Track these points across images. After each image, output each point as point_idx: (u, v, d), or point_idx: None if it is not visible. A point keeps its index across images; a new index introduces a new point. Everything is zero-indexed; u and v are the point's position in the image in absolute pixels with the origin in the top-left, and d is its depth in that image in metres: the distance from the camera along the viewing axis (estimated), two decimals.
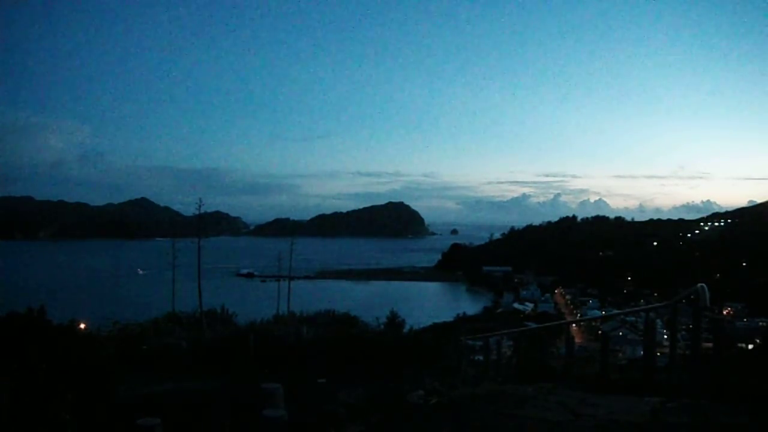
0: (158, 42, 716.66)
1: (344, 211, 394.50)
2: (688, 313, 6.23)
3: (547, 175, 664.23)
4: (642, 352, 9.14)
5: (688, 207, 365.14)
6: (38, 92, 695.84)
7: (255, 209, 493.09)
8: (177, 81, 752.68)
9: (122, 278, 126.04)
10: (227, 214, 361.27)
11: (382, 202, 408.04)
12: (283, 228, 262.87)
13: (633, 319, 61.07)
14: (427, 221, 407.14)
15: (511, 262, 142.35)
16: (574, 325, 48.00)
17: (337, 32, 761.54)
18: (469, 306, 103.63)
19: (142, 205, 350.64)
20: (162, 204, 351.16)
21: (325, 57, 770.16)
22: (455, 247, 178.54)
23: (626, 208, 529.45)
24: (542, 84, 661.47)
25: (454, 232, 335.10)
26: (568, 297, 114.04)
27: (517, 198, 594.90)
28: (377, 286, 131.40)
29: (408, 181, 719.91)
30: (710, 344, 6.18)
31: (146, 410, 4.85)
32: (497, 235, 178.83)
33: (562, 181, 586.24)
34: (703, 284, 5.71)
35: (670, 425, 4.59)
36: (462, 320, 78.14)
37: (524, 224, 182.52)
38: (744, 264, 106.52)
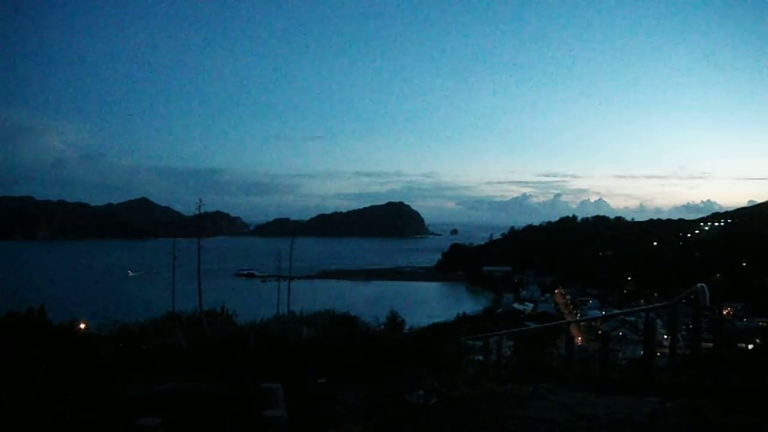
0: (158, 42, 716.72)
1: (344, 211, 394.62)
2: (688, 313, 6.24)
3: (547, 175, 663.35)
4: (642, 352, 9.14)
5: (688, 207, 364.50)
6: (38, 92, 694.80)
7: (255, 209, 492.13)
8: (177, 81, 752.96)
9: (112, 281, 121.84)
10: (227, 214, 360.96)
11: (382, 202, 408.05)
12: (283, 228, 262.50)
13: (633, 319, 61.09)
14: (427, 221, 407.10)
15: (511, 262, 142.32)
16: (574, 325, 47.97)
17: (337, 32, 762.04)
18: (469, 306, 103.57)
19: (142, 205, 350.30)
20: (162, 204, 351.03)
21: (325, 57, 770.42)
22: (455, 247, 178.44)
23: (626, 208, 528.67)
24: (542, 84, 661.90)
25: (454, 232, 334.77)
26: (568, 297, 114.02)
27: (517, 198, 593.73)
28: (377, 286, 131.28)
29: (408, 181, 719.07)
30: (710, 344, 6.19)
31: (146, 410, 4.85)
32: (497, 235, 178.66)
33: (562, 181, 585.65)
34: (703, 284, 5.71)
35: (670, 425, 4.59)
36: (462, 320, 78.06)
37: (524, 224, 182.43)
38: (744, 264, 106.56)
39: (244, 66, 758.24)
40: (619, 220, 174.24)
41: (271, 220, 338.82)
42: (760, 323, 65.46)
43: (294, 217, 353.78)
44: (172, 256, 19.16)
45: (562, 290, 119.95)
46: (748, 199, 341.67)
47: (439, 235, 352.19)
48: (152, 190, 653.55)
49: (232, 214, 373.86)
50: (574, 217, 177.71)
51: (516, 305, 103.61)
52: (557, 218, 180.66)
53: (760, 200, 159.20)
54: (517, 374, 10.29)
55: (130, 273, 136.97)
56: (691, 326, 6.05)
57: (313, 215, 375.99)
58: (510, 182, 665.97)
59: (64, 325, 11.53)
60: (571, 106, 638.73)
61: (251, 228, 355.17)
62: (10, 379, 5.51)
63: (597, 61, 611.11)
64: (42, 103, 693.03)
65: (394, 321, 14.42)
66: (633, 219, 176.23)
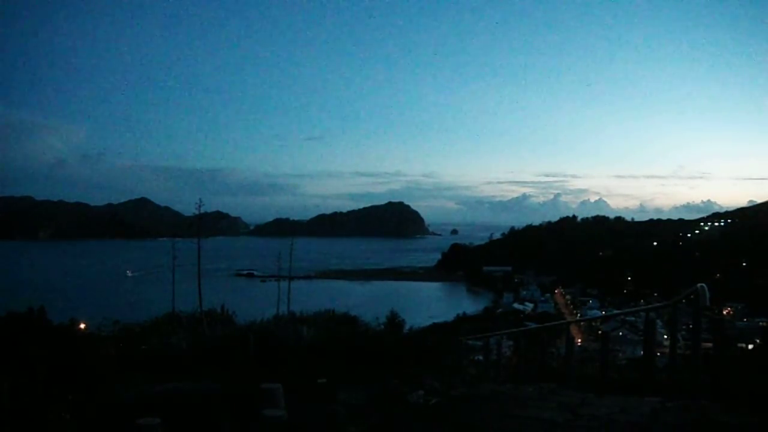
0: (158, 42, 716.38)
1: (344, 211, 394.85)
2: (688, 313, 6.24)
3: (547, 175, 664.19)
4: (642, 352, 9.14)
5: (688, 207, 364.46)
6: (38, 92, 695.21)
7: (255, 209, 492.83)
8: (177, 81, 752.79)
9: (110, 281, 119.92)
10: (227, 214, 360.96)
11: (382, 202, 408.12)
12: (283, 228, 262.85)
13: (633, 319, 61.07)
14: (427, 221, 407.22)
15: (511, 262, 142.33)
16: (574, 325, 47.94)
17: (338, 32, 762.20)
18: (469, 306, 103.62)
19: (142, 205, 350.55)
20: (162, 204, 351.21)
21: (326, 57, 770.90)
22: (455, 247, 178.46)
23: (626, 208, 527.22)
24: (542, 84, 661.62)
25: (454, 232, 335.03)
26: (568, 297, 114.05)
27: (517, 198, 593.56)
28: (377, 286, 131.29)
29: (408, 181, 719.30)
30: (710, 344, 6.19)
31: (146, 410, 4.85)
32: (497, 235, 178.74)
33: (562, 181, 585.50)
34: (703, 284, 5.71)
35: (670, 425, 4.59)
36: (462, 320, 78.14)
37: (524, 224, 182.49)
38: (744, 264, 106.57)
39: (244, 66, 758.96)
40: (619, 220, 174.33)
41: (270, 220, 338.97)
42: (760, 323, 65.42)
43: (294, 217, 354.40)
44: (172, 256, 19.19)
45: (562, 290, 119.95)
46: (748, 199, 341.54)
47: (439, 235, 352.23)
48: (152, 190, 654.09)
49: (232, 214, 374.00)
50: (574, 217, 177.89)
51: (516, 305, 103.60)
52: (557, 218, 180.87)
53: (760, 200, 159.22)
54: (517, 374, 10.31)
55: (129, 273, 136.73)
56: (691, 326, 6.05)
57: (313, 215, 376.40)
58: (510, 182, 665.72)
59: (64, 325, 11.52)
60: (571, 106, 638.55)
61: (251, 228, 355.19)
62: (10, 379, 5.51)
63: (597, 61, 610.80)
64: (42, 103, 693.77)
65: (394, 321, 14.40)
66: (633, 219, 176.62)
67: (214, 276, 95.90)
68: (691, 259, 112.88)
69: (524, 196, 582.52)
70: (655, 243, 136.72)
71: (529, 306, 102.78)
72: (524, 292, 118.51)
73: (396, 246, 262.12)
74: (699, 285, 5.73)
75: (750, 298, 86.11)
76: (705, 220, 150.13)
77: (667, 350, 6.75)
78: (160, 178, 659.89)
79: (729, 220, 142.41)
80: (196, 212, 17.26)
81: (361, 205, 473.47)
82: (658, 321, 7.93)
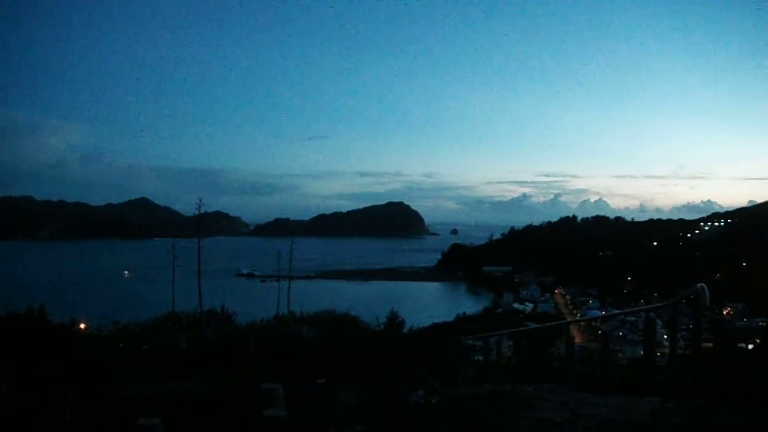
0: (158, 42, 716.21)
1: (344, 211, 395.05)
2: (688, 313, 6.24)
3: (547, 175, 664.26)
4: (642, 352, 9.14)
5: (688, 207, 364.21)
6: (38, 92, 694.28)
7: (255, 209, 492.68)
8: (177, 81, 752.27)
9: (107, 282, 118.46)
10: (227, 214, 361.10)
11: (382, 202, 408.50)
12: (283, 228, 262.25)
13: (633, 319, 61.10)
14: (427, 221, 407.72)
15: (511, 262, 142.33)
16: (574, 325, 47.95)
17: (337, 32, 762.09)
18: (469, 306, 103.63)
19: (142, 205, 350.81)
20: (162, 204, 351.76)
21: (325, 57, 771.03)
22: (455, 247, 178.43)
23: (626, 208, 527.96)
24: (542, 84, 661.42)
25: (454, 232, 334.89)
26: (568, 297, 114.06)
27: (517, 198, 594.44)
28: (377, 286, 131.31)
29: (408, 181, 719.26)
30: (710, 344, 6.18)
31: (146, 410, 4.85)
32: (497, 235, 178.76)
33: (562, 181, 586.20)
34: (703, 284, 5.70)
35: (670, 425, 4.59)
36: (462, 320, 78.16)
37: (524, 224, 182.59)
38: (744, 264, 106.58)
39: (244, 66, 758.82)
40: (619, 220, 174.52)
41: (271, 220, 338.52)
42: (760, 323, 65.37)
43: (294, 217, 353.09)
44: (172, 256, 19.22)
45: (562, 290, 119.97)
46: (748, 199, 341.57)
47: (439, 235, 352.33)
48: (152, 190, 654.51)
49: (232, 214, 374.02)
50: (574, 217, 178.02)
51: (516, 305, 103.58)
52: (557, 218, 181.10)
53: (760, 200, 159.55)
54: (517, 374, 10.29)
55: (126, 274, 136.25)
56: (691, 326, 6.05)
57: (313, 215, 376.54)
58: (510, 182, 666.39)
59: (64, 325, 11.54)
60: (571, 107, 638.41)
61: (251, 228, 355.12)
62: (10, 379, 5.51)
63: (597, 61, 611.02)
64: (42, 103, 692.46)
65: (394, 321, 14.42)
66: (633, 219, 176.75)
67: (214, 276, 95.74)
68: (691, 259, 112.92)
69: (524, 196, 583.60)
70: (655, 243, 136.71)
71: (529, 306, 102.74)
72: (524, 292, 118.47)
73: (396, 246, 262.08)
74: (699, 285, 5.73)
75: (750, 298, 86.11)
76: (705, 220, 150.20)
77: (667, 350, 6.76)
78: (160, 178, 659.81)
79: (729, 220, 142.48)
80: (196, 212, 17.30)
81: (361, 205, 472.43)
82: (658, 321, 7.92)
